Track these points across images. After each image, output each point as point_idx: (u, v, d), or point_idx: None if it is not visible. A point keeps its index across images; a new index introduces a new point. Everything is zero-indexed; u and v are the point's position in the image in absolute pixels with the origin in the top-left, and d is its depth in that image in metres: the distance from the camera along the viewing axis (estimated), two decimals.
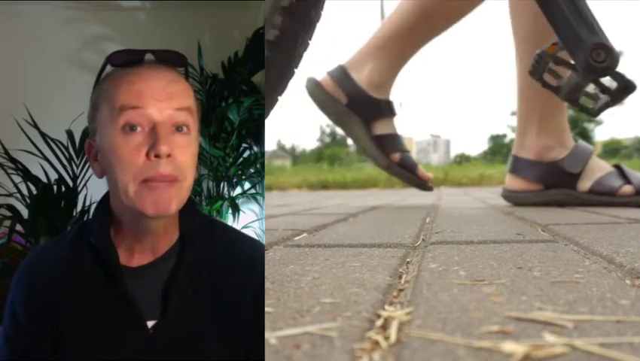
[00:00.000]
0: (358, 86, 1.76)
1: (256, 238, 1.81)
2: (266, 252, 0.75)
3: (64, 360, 0.52)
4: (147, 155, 0.48)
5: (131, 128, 0.49)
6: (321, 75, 1.82)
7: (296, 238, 0.95)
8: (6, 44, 2.14)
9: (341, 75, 1.78)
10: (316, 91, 1.78)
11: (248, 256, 0.56)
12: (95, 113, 0.52)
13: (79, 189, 1.71)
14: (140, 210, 0.49)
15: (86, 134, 1.73)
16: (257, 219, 2.02)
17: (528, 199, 1.75)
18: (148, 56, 0.53)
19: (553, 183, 1.72)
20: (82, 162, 1.73)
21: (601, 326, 0.35)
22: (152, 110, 0.49)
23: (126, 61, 0.52)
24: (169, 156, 0.49)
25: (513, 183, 1.79)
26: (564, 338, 0.33)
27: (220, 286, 0.53)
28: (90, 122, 0.53)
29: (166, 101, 0.50)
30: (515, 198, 1.78)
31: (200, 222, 0.56)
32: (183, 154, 0.50)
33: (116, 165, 0.49)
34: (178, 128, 0.50)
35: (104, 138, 0.51)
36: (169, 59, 0.54)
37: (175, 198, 0.49)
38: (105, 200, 0.55)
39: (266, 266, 0.62)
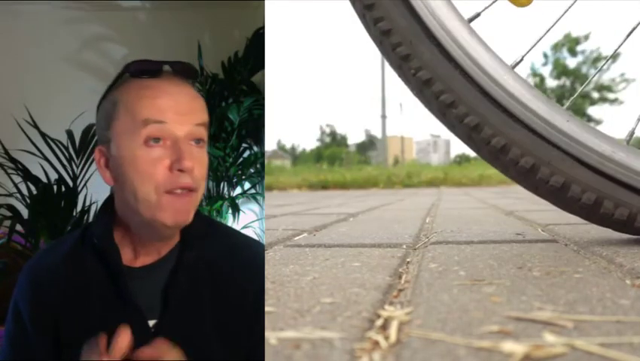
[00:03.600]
0: None
1: (256, 238, 1.81)
2: (266, 252, 0.75)
3: (67, 360, 0.52)
4: (170, 168, 0.50)
5: (154, 140, 0.51)
6: None
7: (296, 238, 0.95)
8: (6, 44, 2.14)
9: None
10: None
11: (249, 259, 0.57)
12: (110, 122, 0.53)
13: (79, 189, 1.71)
14: (160, 220, 0.51)
15: (86, 134, 1.74)
16: (257, 219, 2.02)
17: None
18: (165, 67, 0.54)
19: None
20: (82, 162, 1.73)
21: (601, 326, 0.35)
22: (174, 125, 0.51)
23: (145, 70, 0.53)
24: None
25: None
26: (564, 338, 0.33)
27: (220, 288, 0.54)
28: (102, 130, 0.54)
29: (187, 116, 0.52)
30: None
31: (199, 224, 0.57)
32: (201, 166, 0.53)
33: (135, 176, 0.50)
34: (197, 141, 0.53)
35: (122, 148, 0.51)
36: (185, 71, 0.55)
37: (192, 208, 0.52)
38: (109, 203, 0.56)
39: (266, 266, 0.62)
